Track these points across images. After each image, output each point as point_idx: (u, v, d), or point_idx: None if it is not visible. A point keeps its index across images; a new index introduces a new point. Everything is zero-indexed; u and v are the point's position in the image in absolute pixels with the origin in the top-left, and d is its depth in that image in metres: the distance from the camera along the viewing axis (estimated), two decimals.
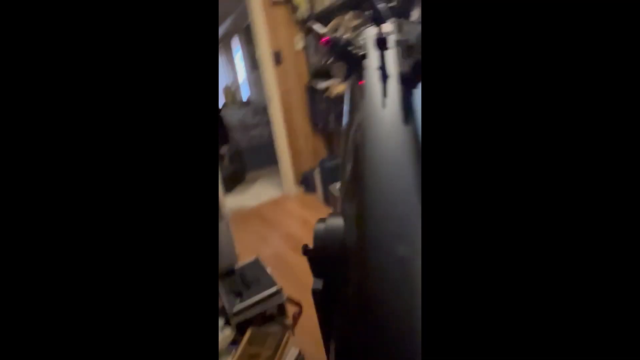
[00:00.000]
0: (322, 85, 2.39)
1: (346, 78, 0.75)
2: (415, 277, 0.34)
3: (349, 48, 0.72)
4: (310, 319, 1.21)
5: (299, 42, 2.50)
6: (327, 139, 2.83)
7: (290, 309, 1.25)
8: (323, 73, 2.42)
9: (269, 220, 2.31)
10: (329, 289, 0.45)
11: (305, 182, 2.74)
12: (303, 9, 2.31)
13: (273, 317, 1.15)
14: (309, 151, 2.77)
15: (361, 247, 0.40)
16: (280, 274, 1.27)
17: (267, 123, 3.29)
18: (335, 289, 0.44)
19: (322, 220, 0.50)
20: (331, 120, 2.48)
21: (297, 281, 1.49)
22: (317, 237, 0.48)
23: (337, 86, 2.24)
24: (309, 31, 0.78)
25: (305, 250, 0.52)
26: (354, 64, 0.71)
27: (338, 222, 0.48)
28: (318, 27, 0.74)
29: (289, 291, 1.30)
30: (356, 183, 0.48)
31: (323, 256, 0.46)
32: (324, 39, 0.71)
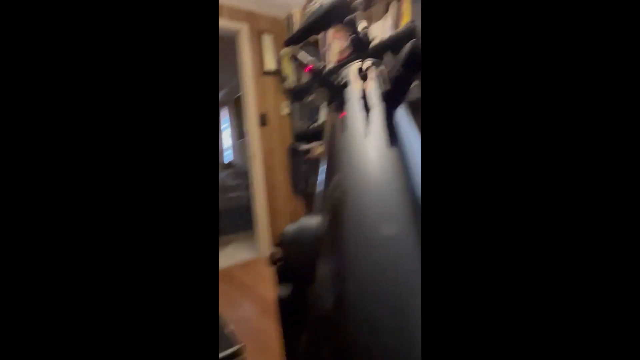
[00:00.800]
0: (304, 147, 2.47)
1: (329, 104, 0.76)
2: (404, 260, 0.28)
3: (331, 78, 0.74)
4: None
5: (285, 108, 2.65)
6: (307, 201, 2.80)
7: None
8: (306, 135, 2.52)
9: (240, 283, 2.11)
10: (297, 296, 0.36)
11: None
12: (291, 79, 2.51)
13: None
14: (288, 212, 2.71)
15: (339, 232, 0.33)
16: (245, 340, 1.10)
17: (247, 187, 3.26)
18: (304, 295, 0.35)
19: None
20: (312, 182, 2.49)
21: (265, 348, 1.29)
22: (287, 236, 0.41)
23: (319, 148, 2.31)
24: (294, 60, 0.82)
25: (274, 258, 0.44)
26: (335, 93, 0.72)
27: (312, 219, 0.42)
28: (303, 57, 0.77)
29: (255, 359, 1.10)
30: (335, 227, 0.42)
31: (294, 256, 0.39)
32: (307, 67, 0.73)
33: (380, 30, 1.73)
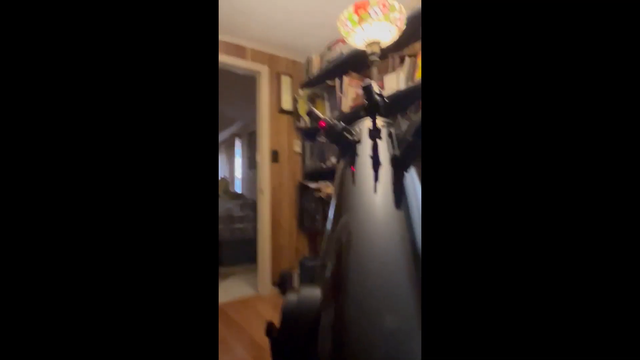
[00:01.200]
0: (313, 185, 2.48)
1: (338, 161, 0.77)
2: (408, 354, 0.26)
3: (345, 133, 0.76)
4: None
5: (297, 146, 2.70)
6: (312, 238, 2.76)
7: None
8: (316, 174, 2.54)
9: (235, 322, 2.03)
10: None
11: (282, 283, 2.53)
12: (306, 119, 2.59)
13: None
14: (292, 249, 2.66)
15: (340, 318, 0.32)
16: None
17: (254, 219, 3.25)
18: None
19: (294, 290, 0.42)
20: (319, 220, 2.47)
21: None
22: (287, 312, 0.39)
23: (328, 187, 2.31)
24: (310, 115, 0.85)
25: (270, 330, 0.42)
26: (347, 149, 0.73)
27: (314, 292, 0.40)
28: (318, 113, 0.79)
29: None
30: (339, 278, 0.42)
31: (293, 335, 0.37)
32: (321, 123, 0.75)
33: (394, 83, 1.79)
